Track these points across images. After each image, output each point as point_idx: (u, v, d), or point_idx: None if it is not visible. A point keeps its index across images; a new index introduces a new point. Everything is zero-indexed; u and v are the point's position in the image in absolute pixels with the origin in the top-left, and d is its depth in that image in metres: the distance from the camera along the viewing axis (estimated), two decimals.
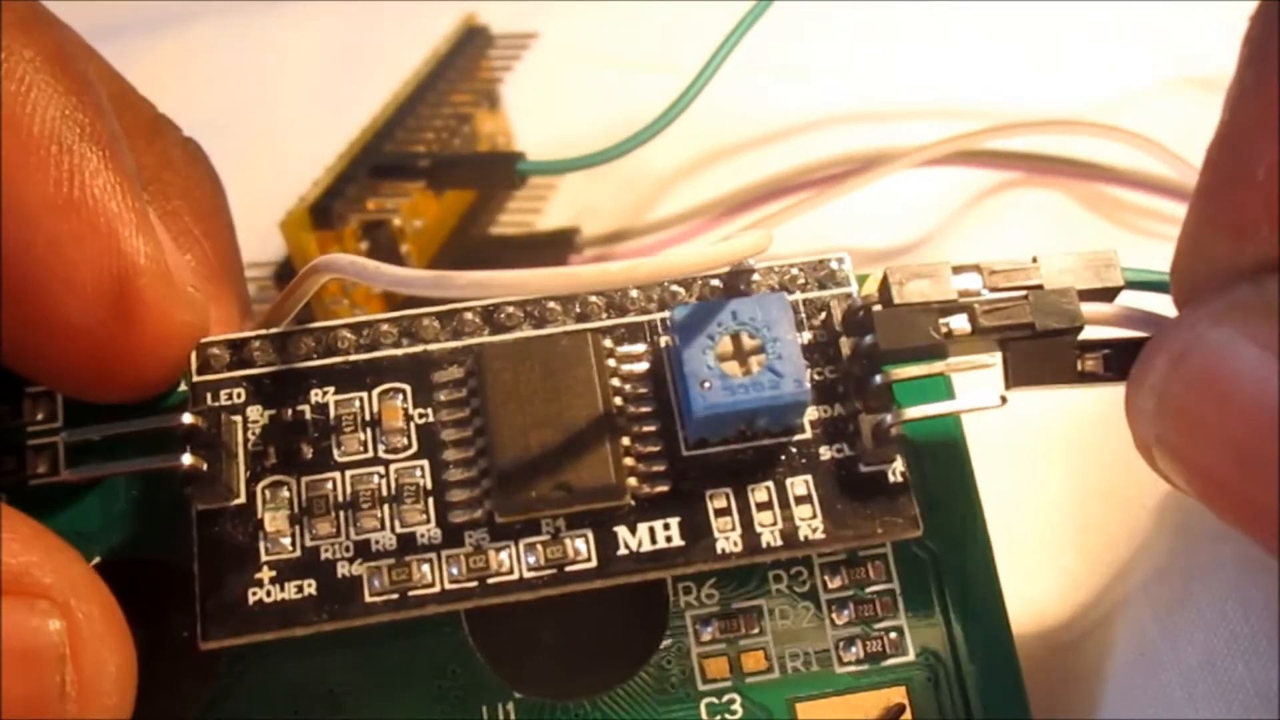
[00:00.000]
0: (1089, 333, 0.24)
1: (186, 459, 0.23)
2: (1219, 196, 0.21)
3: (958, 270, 0.24)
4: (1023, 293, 0.24)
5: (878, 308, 0.24)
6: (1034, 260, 0.24)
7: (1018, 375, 0.24)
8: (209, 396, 0.24)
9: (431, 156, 0.36)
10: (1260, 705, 0.23)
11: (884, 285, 0.24)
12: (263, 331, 0.25)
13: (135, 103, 0.28)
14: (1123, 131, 0.35)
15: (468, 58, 0.39)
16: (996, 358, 0.24)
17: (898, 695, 0.25)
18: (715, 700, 0.25)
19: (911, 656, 0.25)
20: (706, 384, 0.23)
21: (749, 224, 0.35)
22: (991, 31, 0.41)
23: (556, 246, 0.38)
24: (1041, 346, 0.24)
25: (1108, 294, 0.24)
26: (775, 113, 0.40)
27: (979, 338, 0.24)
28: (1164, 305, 0.23)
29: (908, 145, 0.34)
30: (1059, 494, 0.33)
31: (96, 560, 0.25)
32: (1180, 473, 0.21)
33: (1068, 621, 0.29)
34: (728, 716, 0.25)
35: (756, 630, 0.25)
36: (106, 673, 0.22)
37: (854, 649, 0.25)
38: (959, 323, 0.24)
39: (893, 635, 0.25)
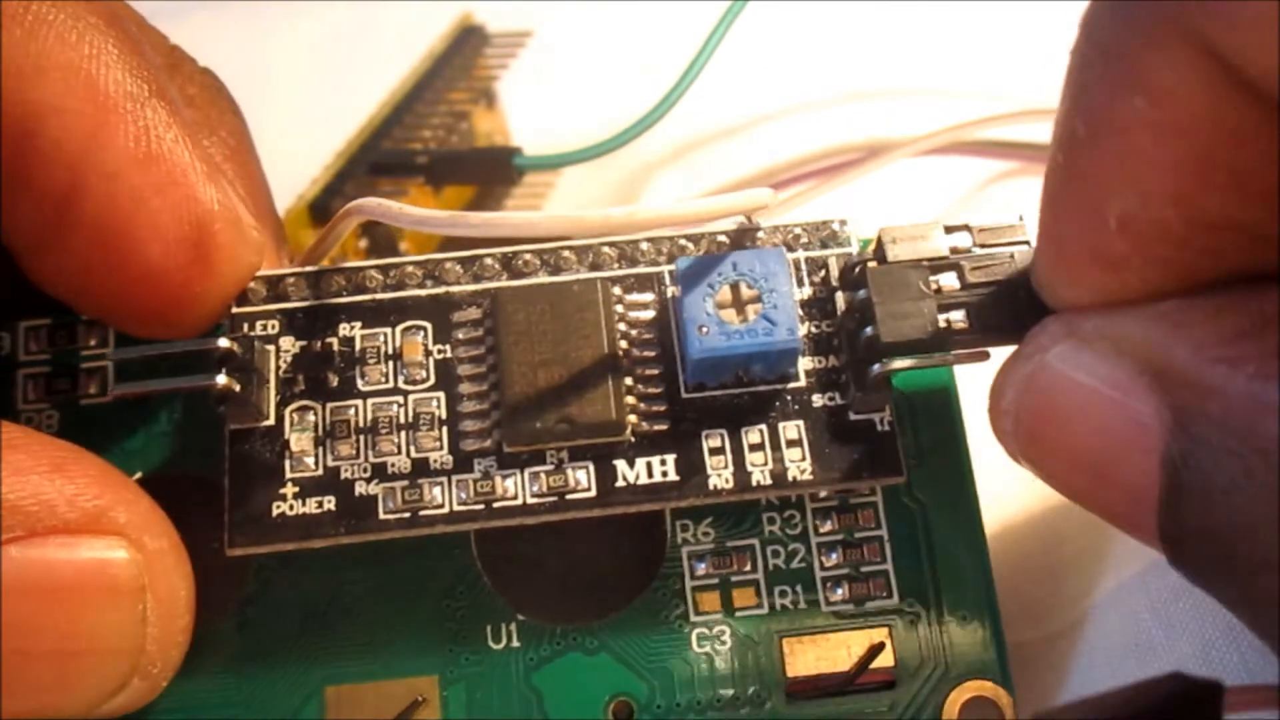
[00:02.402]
0: None
1: (221, 379, 0.24)
2: (1077, 236, 0.22)
3: (949, 230, 0.25)
4: (1008, 250, 0.25)
5: (872, 264, 0.25)
6: (1020, 219, 0.25)
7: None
8: (245, 327, 0.26)
9: (430, 153, 0.37)
10: None
11: (879, 245, 0.26)
12: (298, 269, 0.27)
13: (152, 39, 0.29)
14: None
15: (464, 56, 0.40)
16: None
17: (880, 636, 0.26)
18: (706, 631, 0.26)
19: (895, 600, 0.27)
20: (704, 329, 0.25)
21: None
22: (986, 22, 0.42)
23: None
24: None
25: None
26: (775, 104, 0.41)
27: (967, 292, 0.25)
28: None
29: (907, 135, 0.35)
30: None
31: (139, 475, 0.27)
32: (1047, 481, 0.24)
33: (1062, 610, 0.29)
34: (717, 647, 0.26)
35: (749, 568, 0.27)
36: (179, 598, 0.24)
37: (840, 590, 0.27)
38: (949, 279, 0.25)
39: (878, 579, 0.27)
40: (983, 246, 0.25)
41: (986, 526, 0.27)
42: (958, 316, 0.25)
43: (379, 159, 0.37)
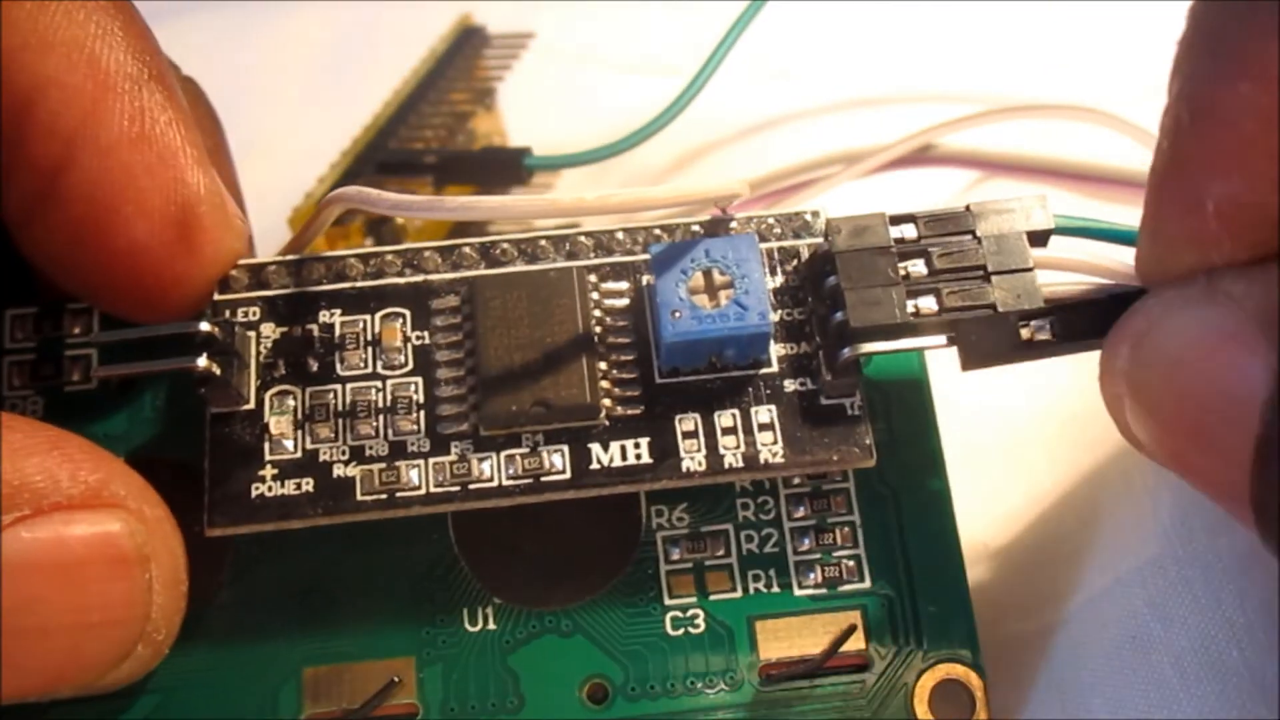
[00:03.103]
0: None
1: (202, 361, 0.25)
2: (1174, 221, 0.22)
3: (895, 221, 0.26)
4: (971, 233, 0.26)
5: (842, 251, 0.26)
6: (966, 208, 0.26)
7: (968, 358, 0.26)
8: (227, 313, 0.27)
9: (438, 153, 0.37)
10: (1258, 694, 0.23)
11: (827, 233, 0.26)
12: (280, 258, 0.27)
13: None
14: (1111, 117, 0.36)
15: (465, 57, 0.40)
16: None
17: (852, 619, 0.27)
18: (680, 614, 0.27)
19: (867, 584, 0.27)
20: (677, 313, 0.25)
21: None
22: (993, 26, 0.42)
23: None
24: (985, 324, 0.25)
25: (1040, 237, 0.26)
26: (775, 111, 0.41)
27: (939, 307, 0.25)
28: (1094, 251, 0.25)
29: (908, 137, 0.36)
30: (1051, 478, 0.33)
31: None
32: (1152, 451, 0.23)
33: (1055, 603, 0.29)
34: (691, 630, 0.27)
35: (722, 552, 0.27)
36: (179, 564, 0.25)
37: (813, 574, 0.27)
38: (917, 267, 0.26)
39: (850, 564, 0.27)
40: (928, 237, 0.26)
41: (983, 519, 0.27)
42: (926, 303, 0.25)
43: (387, 159, 0.37)
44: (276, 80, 0.43)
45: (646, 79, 0.36)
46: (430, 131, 0.38)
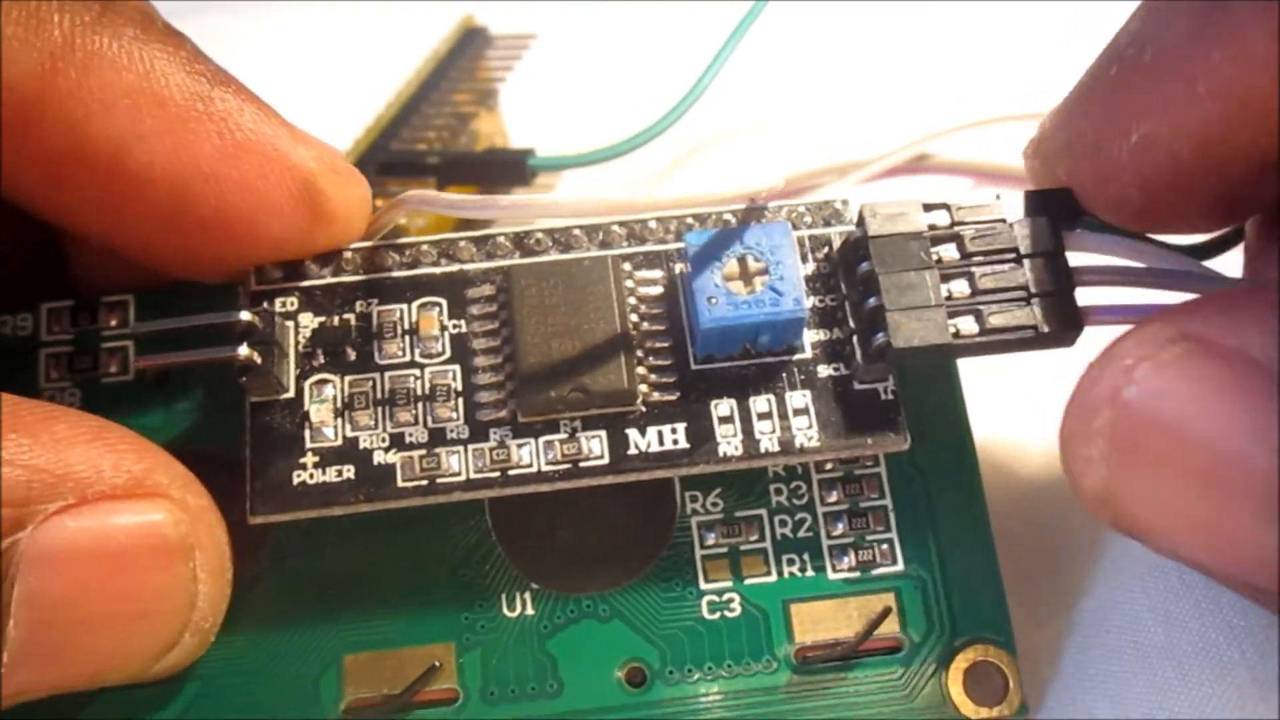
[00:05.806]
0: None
1: (243, 350, 0.25)
2: (1093, 136, 0.25)
3: (928, 208, 0.26)
4: (1003, 220, 0.26)
5: (875, 236, 0.26)
6: (997, 197, 0.26)
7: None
8: (265, 303, 0.27)
9: (441, 154, 0.37)
10: (1258, 695, 0.24)
11: (860, 220, 0.26)
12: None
13: None
14: None
15: (468, 58, 0.40)
16: None
17: (886, 602, 0.27)
18: (716, 599, 0.27)
19: (900, 567, 0.27)
20: (713, 300, 0.26)
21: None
22: (1001, 28, 0.42)
23: None
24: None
25: (1070, 223, 0.26)
26: (782, 110, 0.41)
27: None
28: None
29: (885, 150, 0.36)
30: (1053, 485, 0.34)
31: None
32: (1143, 515, 0.21)
33: (1060, 610, 0.30)
34: (727, 614, 0.27)
35: (756, 537, 0.27)
36: (224, 553, 0.25)
37: (847, 558, 0.27)
38: (950, 253, 0.26)
39: (884, 547, 0.27)
40: (961, 224, 0.26)
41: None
42: (959, 286, 0.26)
43: (389, 159, 0.37)
44: (277, 81, 0.43)
45: (649, 80, 0.36)
46: (432, 133, 0.38)
